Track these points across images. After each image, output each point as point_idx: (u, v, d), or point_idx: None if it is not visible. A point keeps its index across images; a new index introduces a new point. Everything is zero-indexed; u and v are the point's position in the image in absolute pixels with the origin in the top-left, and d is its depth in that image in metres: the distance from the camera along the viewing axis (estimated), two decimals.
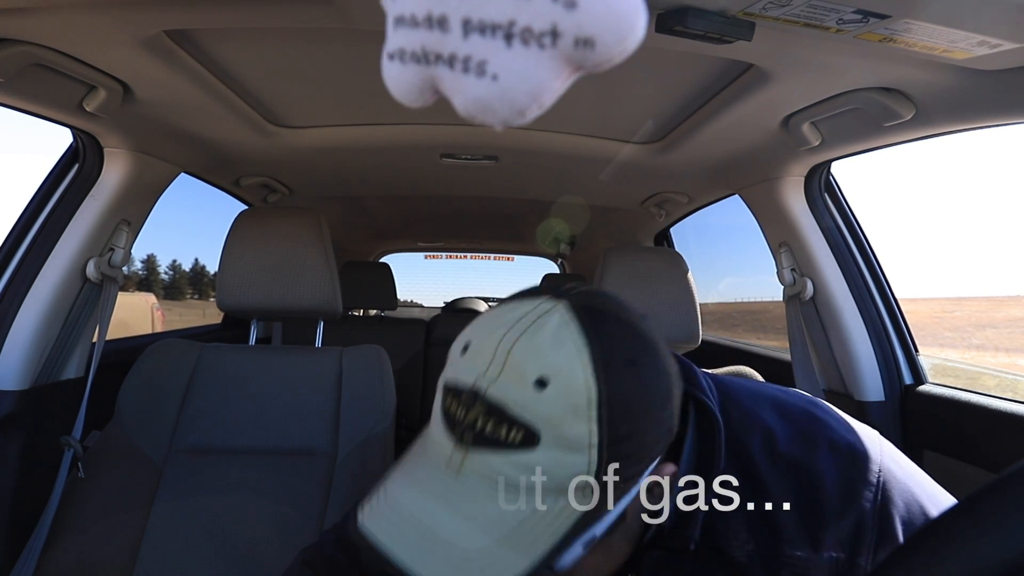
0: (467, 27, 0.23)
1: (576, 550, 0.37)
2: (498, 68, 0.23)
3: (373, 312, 2.46)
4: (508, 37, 0.23)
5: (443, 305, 3.36)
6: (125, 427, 0.89)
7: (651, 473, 0.39)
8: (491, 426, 0.34)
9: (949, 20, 0.52)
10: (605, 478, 0.34)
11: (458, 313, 2.48)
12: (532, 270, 3.31)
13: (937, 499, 0.44)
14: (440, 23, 0.24)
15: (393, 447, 0.99)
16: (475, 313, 2.29)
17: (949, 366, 1.08)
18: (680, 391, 0.40)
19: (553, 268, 3.20)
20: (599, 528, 0.37)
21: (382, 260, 3.05)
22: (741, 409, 0.46)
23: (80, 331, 0.98)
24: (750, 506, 0.42)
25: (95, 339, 0.99)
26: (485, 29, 0.23)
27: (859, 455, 0.43)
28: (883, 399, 1.02)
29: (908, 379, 1.04)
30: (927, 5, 0.50)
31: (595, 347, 0.35)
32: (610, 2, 0.22)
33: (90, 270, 0.95)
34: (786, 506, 0.42)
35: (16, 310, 0.89)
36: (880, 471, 0.43)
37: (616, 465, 0.34)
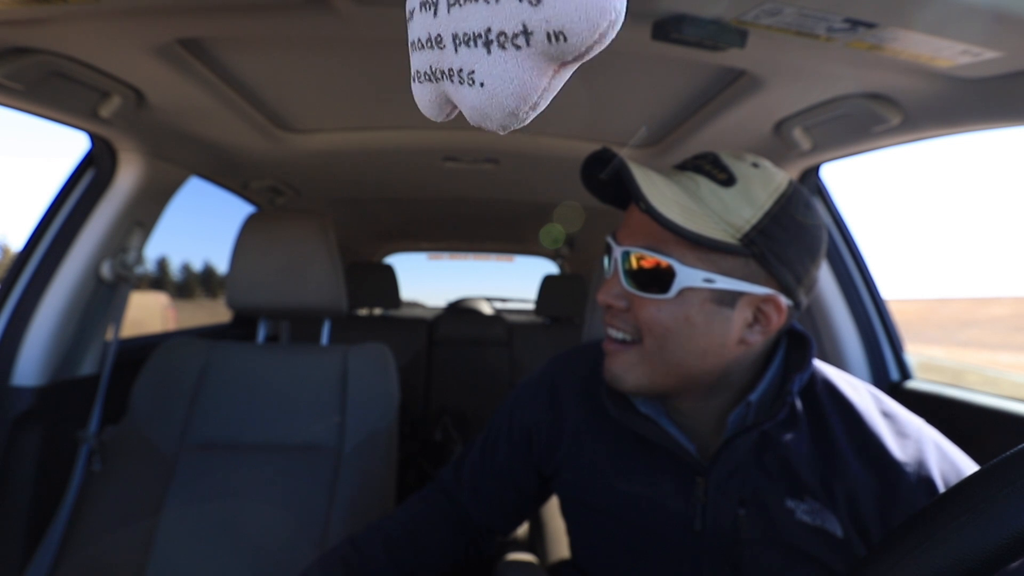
0: (456, 41, 0.24)
1: (697, 277, 0.48)
2: (483, 75, 0.24)
3: (378, 311, 2.49)
4: (487, 44, 0.23)
5: (446, 305, 3.38)
6: (138, 423, 0.92)
7: (768, 297, 0.49)
8: (709, 166, 0.51)
9: (934, 29, 0.54)
10: (752, 237, 0.47)
11: (460, 313, 2.50)
12: (532, 270, 3.34)
13: (961, 461, 0.51)
14: (437, 41, 0.25)
15: (397, 443, 1.01)
16: (477, 314, 2.29)
17: (935, 364, 1.10)
18: (817, 270, 0.53)
19: (553, 268, 3.22)
20: (721, 279, 0.48)
21: (387, 261, 3.08)
22: (816, 368, 0.58)
23: (95, 329, 1.01)
24: (817, 433, 0.52)
25: (109, 337, 1.02)
26: (469, 40, 0.24)
27: (904, 417, 0.54)
28: None
29: (895, 376, 1.06)
30: (913, 14, 0.52)
31: (795, 182, 0.52)
32: None
33: (105, 270, 0.98)
34: (843, 438, 0.51)
35: (35, 309, 0.92)
36: (920, 431, 0.52)
37: (765, 240, 0.47)
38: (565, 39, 0.22)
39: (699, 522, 0.54)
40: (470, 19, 0.24)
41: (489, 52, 0.24)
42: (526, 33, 0.22)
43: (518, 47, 0.23)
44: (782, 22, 0.56)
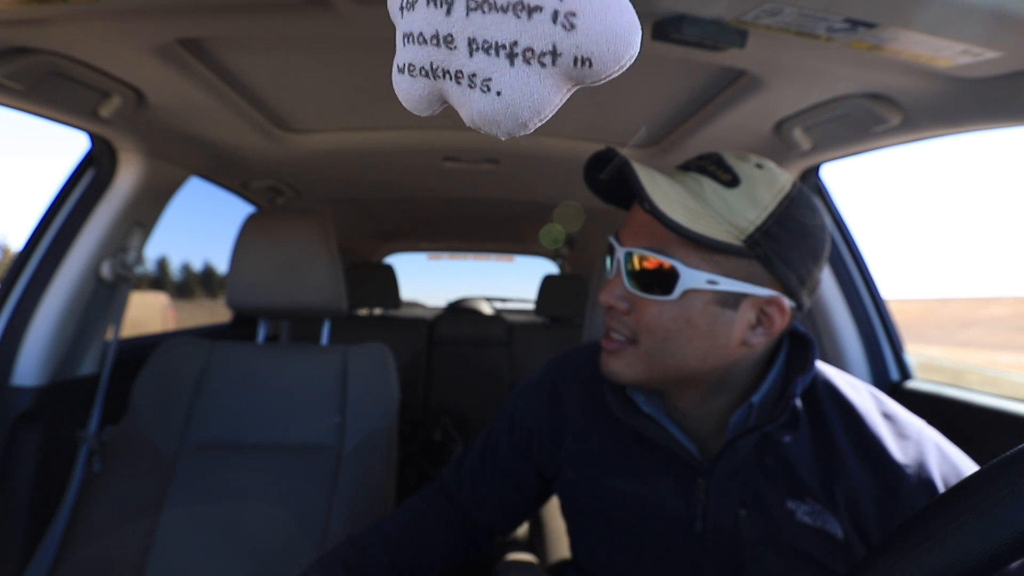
0: (472, 46, 0.24)
1: (700, 279, 0.48)
2: (502, 85, 0.24)
3: (378, 311, 2.49)
4: (511, 56, 0.24)
5: (446, 305, 3.38)
6: (138, 423, 0.92)
7: (772, 299, 0.49)
8: (713, 167, 0.50)
9: (934, 29, 0.54)
10: (756, 238, 0.47)
11: (460, 313, 2.50)
12: (532, 270, 3.35)
13: (962, 462, 0.51)
14: (447, 41, 0.25)
15: (397, 442, 1.01)
16: (477, 314, 2.29)
17: (935, 363, 1.10)
18: (820, 271, 0.53)
19: (553, 268, 3.22)
20: (724, 281, 0.48)
21: (387, 261, 3.08)
22: (817, 369, 0.57)
23: (95, 329, 1.01)
24: (818, 434, 0.52)
25: (109, 337, 1.02)
26: (489, 48, 0.24)
27: (905, 419, 0.53)
28: None
29: (895, 376, 1.06)
30: (913, 15, 0.52)
31: (799, 183, 0.52)
32: (607, 23, 0.23)
33: (104, 270, 0.98)
34: (843, 439, 0.51)
35: (34, 309, 0.92)
36: (920, 432, 0.52)
37: (768, 241, 0.47)
38: (591, 65, 0.24)
39: (700, 523, 0.54)
40: (494, 28, 0.24)
41: (512, 64, 0.24)
42: (554, 54, 0.23)
43: (543, 64, 0.24)
44: (782, 22, 0.56)
